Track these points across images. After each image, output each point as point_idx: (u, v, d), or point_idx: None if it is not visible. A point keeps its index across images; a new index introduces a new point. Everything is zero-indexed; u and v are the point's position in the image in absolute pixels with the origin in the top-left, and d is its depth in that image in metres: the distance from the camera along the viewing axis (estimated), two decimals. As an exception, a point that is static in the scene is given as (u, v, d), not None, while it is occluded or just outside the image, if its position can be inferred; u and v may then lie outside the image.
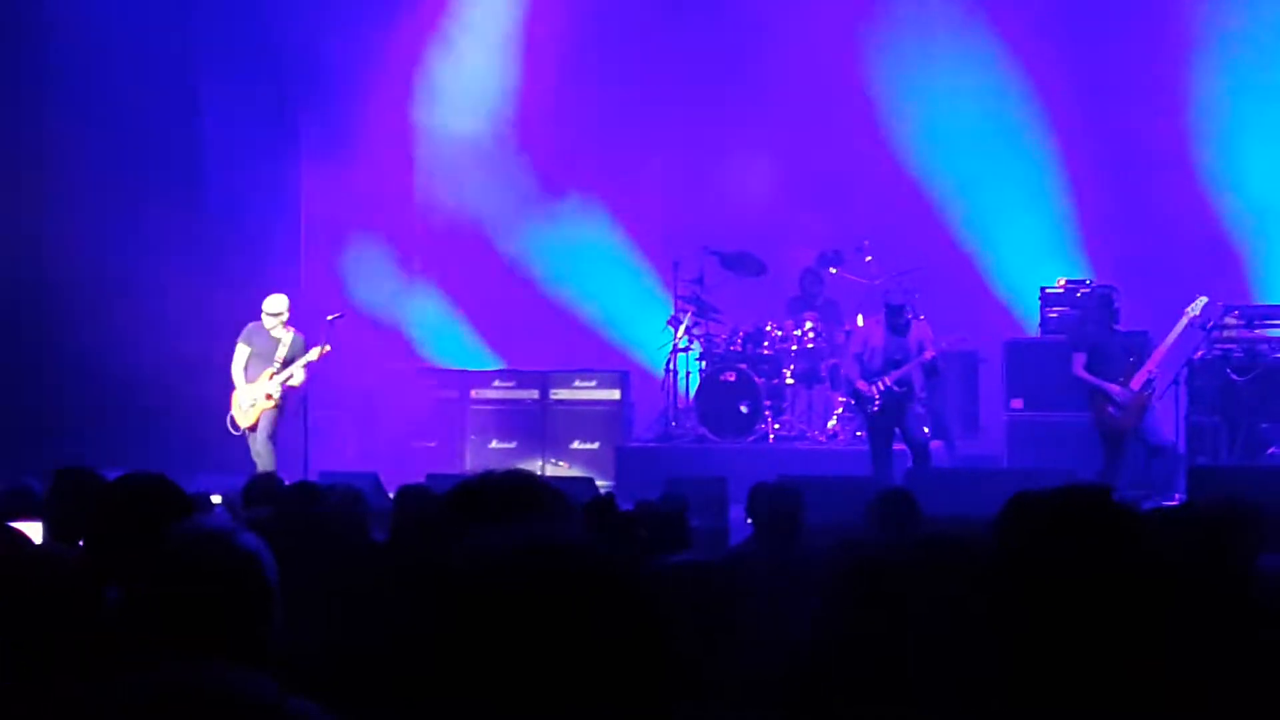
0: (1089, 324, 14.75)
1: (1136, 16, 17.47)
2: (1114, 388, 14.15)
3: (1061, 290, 16.59)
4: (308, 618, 3.81)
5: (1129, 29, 17.48)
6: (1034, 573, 2.58)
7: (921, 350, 14.44)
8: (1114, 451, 14.24)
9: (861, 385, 14.47)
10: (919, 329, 14.64)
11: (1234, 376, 15.16)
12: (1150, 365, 14.29)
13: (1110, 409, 14.19)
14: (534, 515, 2.88)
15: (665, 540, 7.33)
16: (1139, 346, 14.73)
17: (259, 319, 15.02)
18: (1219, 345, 15.34)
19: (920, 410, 15.04)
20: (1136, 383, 14.17)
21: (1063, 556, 2.58)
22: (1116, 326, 14.56)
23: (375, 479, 12.94)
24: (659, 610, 2.07)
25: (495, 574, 2.03)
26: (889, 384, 14.37)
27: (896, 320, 14.50)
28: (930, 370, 14.61)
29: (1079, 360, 14.36)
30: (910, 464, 14.39)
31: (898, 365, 14.38)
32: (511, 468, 3.22)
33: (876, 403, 14.51)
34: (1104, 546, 2.58)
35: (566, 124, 19.05)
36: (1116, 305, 14.63)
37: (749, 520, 8.60)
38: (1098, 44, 17.66)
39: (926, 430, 16.66)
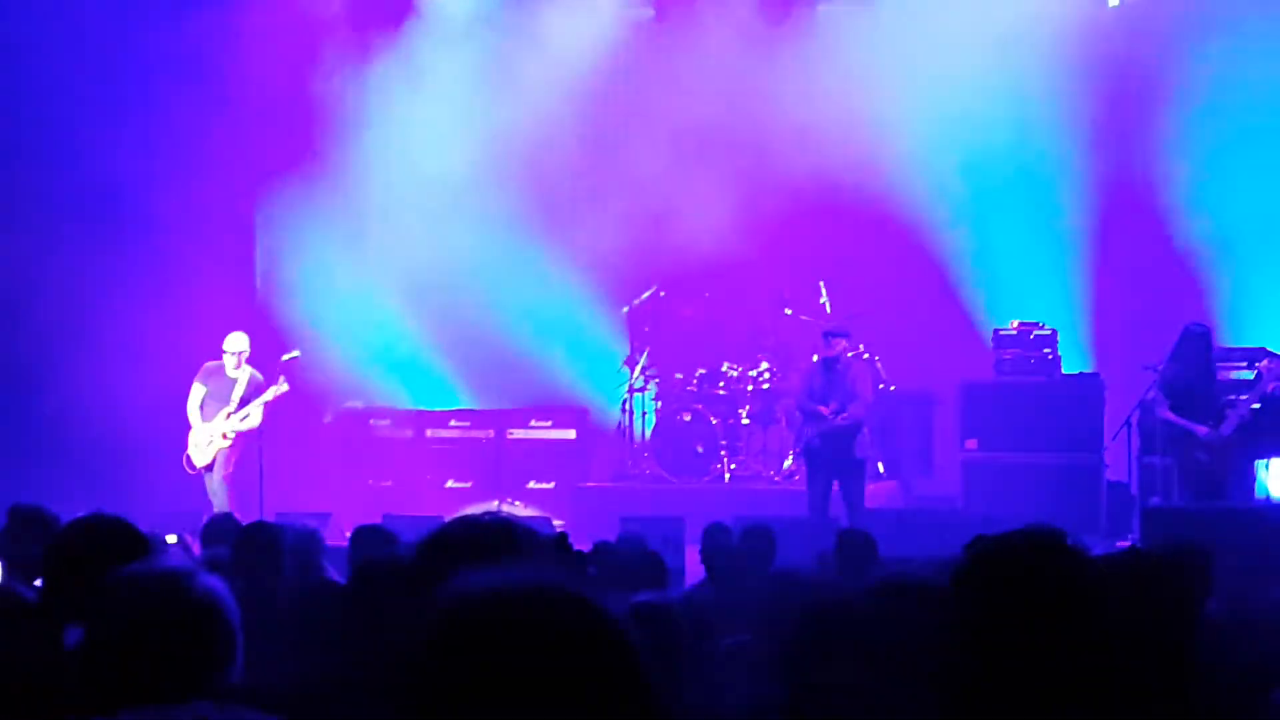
0: (1179, 363, 13.89)
1: (1117, 59, 17.55)
2: (1201, 429, 13.56)
3: (1015, 332, 16.68)
4: (267, 658, 3.80)
5: (1107, 69, 17.57)
6: (989, 621, 2.60)
7: (852, 391, 14.13)
8: (1197, 495, 13.52)
9: (806, 425, 14.30)
10: (854, 373, 14.50)
11: (1186, 418, 15.23)
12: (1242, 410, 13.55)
13: (1197, 453, 13.62)
14: (511, 559, 2.89)
15: (641, 577, 7.32)
16: (1231, 388, 14.15)
17: (217, 358, 15.00)
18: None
19: (869, 459, 14.71)
20: (1228, 427, 13.50)
21: (1018, 605, 2.60)
22: (1211, 366, 13.90)
23: (329, 519, 12.91)
24: (641, 652, 2.09)
25: (482, 615, 2.05)
26: (812, 437, 14.23)
27: (829, 359, 14.28)
28: (849, 422, 14.12)
29: (1163, 401, 13.70)
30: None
31: (830, 408, 14.12)
32: (490, 511, 3.23)
33: (797, 450, 14.49)
34: (1058, 595, 2.61)
35: (525, 163, 19.02)
36: (1213, 344, 13.98)
37: (703, 561, 8.61)
38: (1037, 84, 17.76)
39: (881, 468, 16.73)
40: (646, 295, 17.41)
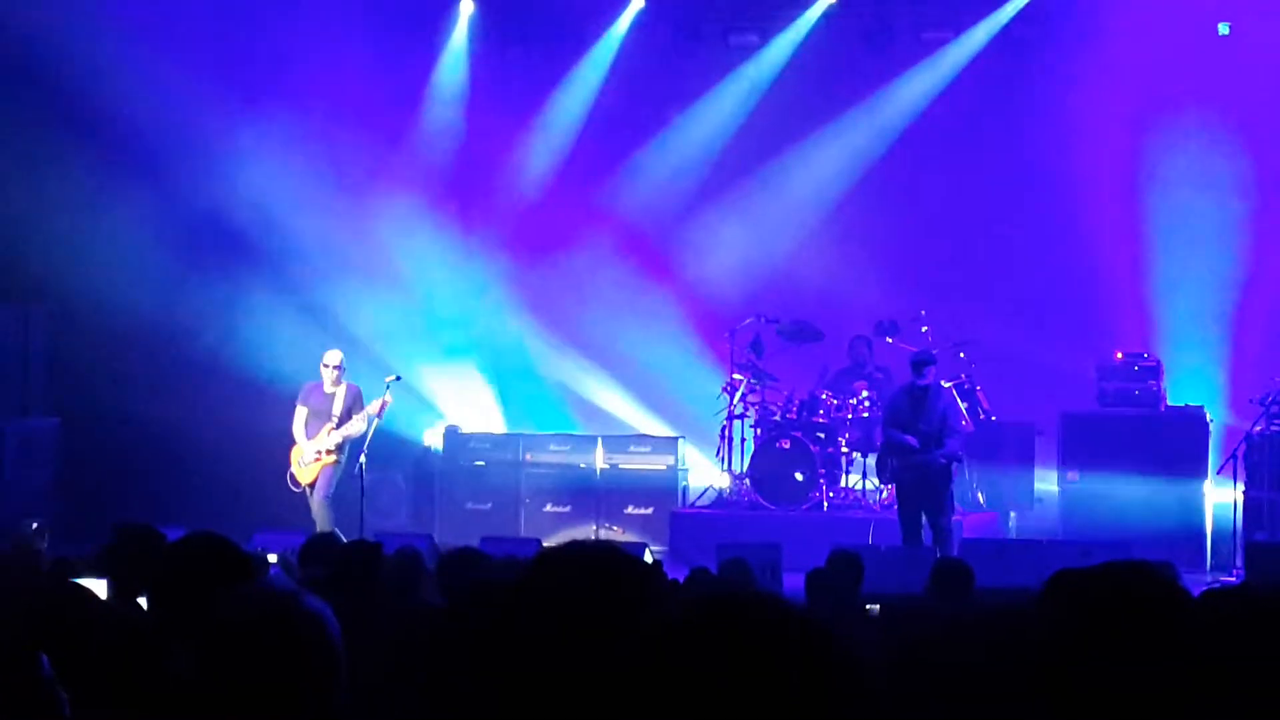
0: None
1: (1192, 104, 17.44)
2: None
3: (1118, 363, 16.55)
4: (364, 680, 3.85)
5: (1216, 96, 17.45)
6: (1073, 652, 2.60)
7: (945, 422, 14.07)
8: None
9: (910, 439, 14.19)
10: (946, 402, 14.39)
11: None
12: None
13: None
14: (615, 588, 2.91)
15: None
16: None
17: (316, 380, 15.20)
18: (1278, 420, 15.24)
19: (955, 490, 14.54)
20: None
21: (1102, 637, 2.59)
22: None
23: (430, 540, 12.98)
24: (852, 659, 2.20)
25: (702, 627, 2.16)
26: (898, 467, 14.15)
27: (916, 386, 14.18)
28: (952, 455, 14.07)
29: None
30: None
31: (921, 436, 14.04)
32: (598, 539, 3.27)
33: (885, 473, 14.43)
34: (1145, 628, 2.60)
35: (628, 191, 19.19)
36: None
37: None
38: (1147, 125, 17.66)
39: (981, 499, 16.61)
40: (747, 322, 17.41)
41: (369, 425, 15.03)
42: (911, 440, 14.00)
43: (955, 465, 14.23)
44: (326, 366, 15.10)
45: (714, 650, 2.16)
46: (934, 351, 14.92)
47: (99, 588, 5.57)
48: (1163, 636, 2.59)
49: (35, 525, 11.12)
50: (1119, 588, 2.68)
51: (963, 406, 15.78)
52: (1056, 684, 2.60)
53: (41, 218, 16.26)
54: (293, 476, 15.10)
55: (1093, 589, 2.71)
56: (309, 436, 15.09)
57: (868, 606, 6.89)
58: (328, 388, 15.10)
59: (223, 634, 3.02)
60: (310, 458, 15.01)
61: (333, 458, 14.99)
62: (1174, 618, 2.63)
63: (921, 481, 13.95)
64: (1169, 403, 16.41)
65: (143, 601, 5.11)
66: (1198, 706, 2.57)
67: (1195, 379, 17.11)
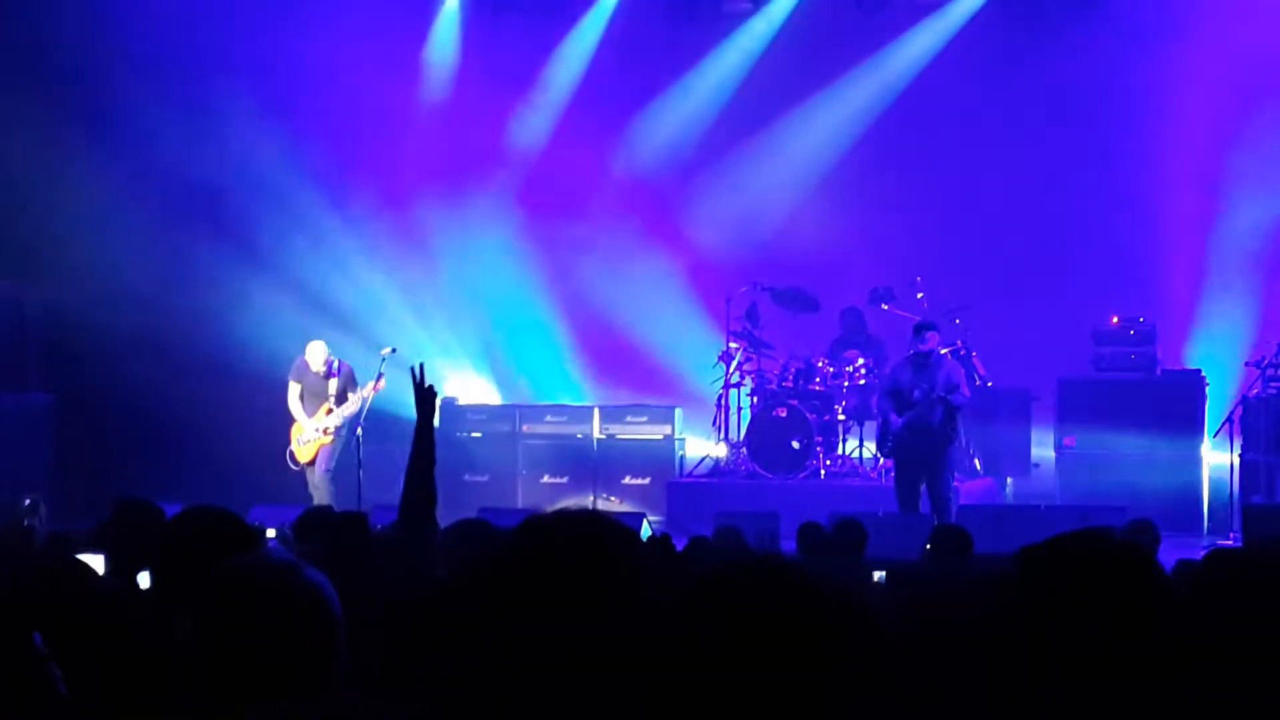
0: None
1: (1184, 68, 17.42)
2: None
3: (1114, 327, 16.56)
4: (361, 652, 3.85)
5: (1211, 61, 17.43)
6: (1040, 617, 2.63)
7: (947, 387, 13.98)
8: None
9: (891, 419, 14.15)
10: (949, 366, 14.37)
11: (1289, 414, 15.05)
12: None
13: None
14: (605, 556, 2.92)
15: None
16: None
17: (303, 355, 15.21)
18: (1273, 383, 15.26)
19: (955, 455, 14.46)
20: None
21: (1064, 603, 2.62)
22: None
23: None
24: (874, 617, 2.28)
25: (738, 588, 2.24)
26: (896, 427, 14.11)
27: (920, 354, 14.08)
28: (949, 411, 13.88)
29: None
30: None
31: (913, 400, 13.89)
32: (582, 506, 3.28)
33: (886, 444, 14.36)
34: (1107, 595, 2.62)
35: (623, 159, 19.18)
36: None
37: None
38: (1139, 90, 17.64)
39: (978, 465, 16.64)
40: (743, 290, 17.40)
41: (363, 405, 15.04)
42: (894, 417, 13.98)
43: (956, 425, 14.16)
44: (314, 353, 15.09)
45: (747, 613, 2.23)
46: (933, 319, 14.89)
47: (96, 563, 5.58)
48: (1126, 602, 2.61)
49: (28, 501, 11.11)
50: (1077, 555, 2.70)
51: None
52: (1028, 650, 2.63)
53: (35, 194, 16.23)
54: (292, 454, 15.12)
55: (1052, 558, 2.73)
56: (307, 414, 15.10)
57: (874, 574, 6.91)
58: (315, 367, 15.12)
59: (221, 603, 3.02)
60: (310, 436, 15.03)
61: (330, 437, 15.01)
62: (1139, 584, 2.65)
63: (920, 441, 13.88)
64: (1165, 366, 16.44)
65: (141, 577, 5.12)
66: (1174, 671, 2.59)
67: (1191, 341, 17.15)
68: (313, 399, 15.11)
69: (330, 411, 15.01)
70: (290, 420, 15.21)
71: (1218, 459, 15.63)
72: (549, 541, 2.95)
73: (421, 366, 7.22)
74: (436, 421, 17.15)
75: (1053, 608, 2.63)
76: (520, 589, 2.90)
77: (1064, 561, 2.71)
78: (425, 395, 6.55)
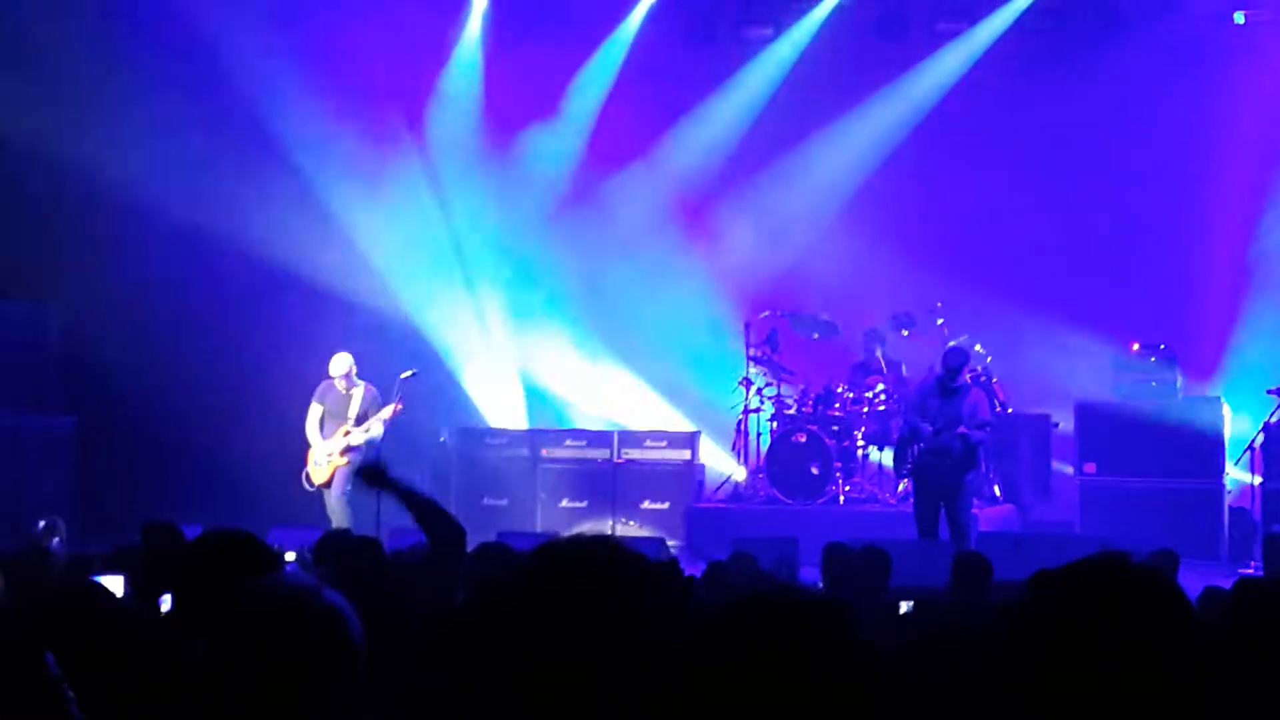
0: None
1: (1207, 96, 17.42)
2: None
3: (1135, 354, 16.52)
4: (378, 673, 3.84)
5: (1198, 106, 17.44)
6: (1053, 646, 2.61)
7: (975, 416, 13.84)
8: None
9: (924, 431, 14.03)
10: (975, 396, 14.21)
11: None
12: None
13: None
14: (618, 583, 2.91)
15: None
16: None
17: (329, 377, 15.20)
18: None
19: (975, 482, 14.23)
20: None
21: (1078, 632, 2.60)
22: None
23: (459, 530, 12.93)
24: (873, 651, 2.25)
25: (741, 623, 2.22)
26: (917, 452, 13.99)
27: (949, 380, 13.92)
28: (969, 444, 13.69)
29: None
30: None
31: (937, 428, 13.74)
32: (597, 532, 3.28)
33: (903, 465, 14.27)
34: (1123, 619, 2.60)
35: (643, 186, 19.20)
36: None
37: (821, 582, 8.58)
38: (1160, 118, 17.63)
39: (998, 491, 16.58)
40: (764, 316, 17.40)
41: (384, 429, 15.03)
42: (925, 426, 13.83)
43: (977, 454, 14.04)
44: (335, 377, 15.10)
45: (753, 649, 2.20)
46: (965, 350, 14.76)
47: (116, 585, 5.58)
48: (1145, 630, 2.59)
49: (44, 524, 11.11)
50: (1095, 582, 2.68)
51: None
52: (1039, 677, 2.61)
53: (55, 214, 16.28)
54: (308, 475, 15.11)
55: (1067, 585, 2.71)
56: (325, 436, 15.10)
57: (901, 603, 6.88)
58: (341, 387, 15.10)
59: (241, 623, 3.02)
60: (325, 458, 15.03)
61: (345, 459, 14.99)
62: (1161, 611, 2.62)
63: (940, 465, 13.77)
64: (1186, 393, 16.39)
65: (163, 600, 5.12)
66: (1200, 701, 2.57)
67: (1213, 368, 17.09)
68: (333, 420, 15.11)
69: (348, 433, 15.00)
70: (308, 440, 15.21)
71: (1240, 486, 15.56)
72: (560, 568, 2.94)
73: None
74: (456, 446, 17.13)
75: (1069, 634, 2.61)
76: (534, 615, 2.90)
77: (1081, 587, 2.69)
78: (376, 477, 6.46)
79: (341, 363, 15.12)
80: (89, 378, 16.34)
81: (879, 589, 8.20)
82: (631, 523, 17.17)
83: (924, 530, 13.90)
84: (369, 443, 15.01)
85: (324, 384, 15.25)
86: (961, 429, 13.61)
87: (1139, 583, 2.66)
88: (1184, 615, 2.63)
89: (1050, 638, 2.60)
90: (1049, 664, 2.58)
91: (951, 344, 14.93)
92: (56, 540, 10.75)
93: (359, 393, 15.08)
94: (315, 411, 15.18)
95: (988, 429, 13.95)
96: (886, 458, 16.20)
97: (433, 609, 5.28)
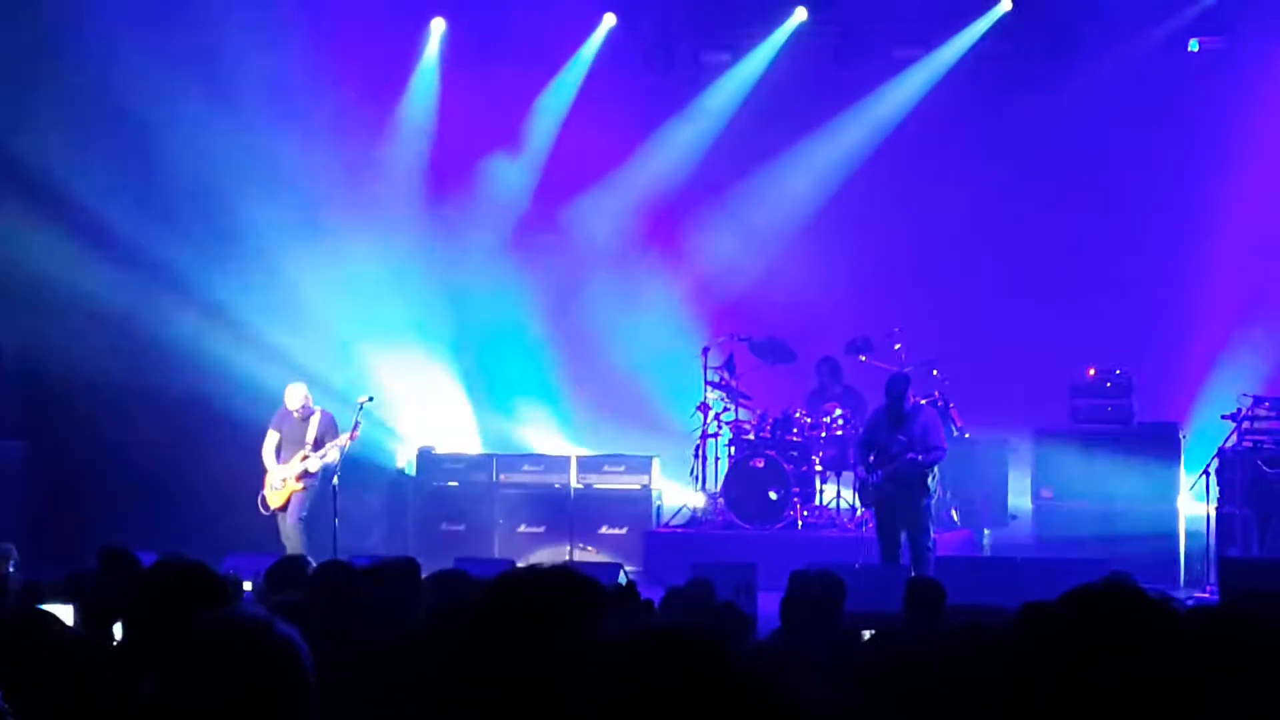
0: None
1: (1162, 123, 17.57)
2: None
3: (1090, 379, 16.59)
4: (340, 702, 3.82)
5: (1153, 132, 17.58)
6: (1054, 670, 2.59)
7: (925, 439, 13.96)
8: None
9: (859, 473, 14.26)
10: (926, 418, 14.34)
11: (1264, 468, 15.08)
12: None
13: None
14: (576, 611, 2.90)
15: (718, 626, 7.28)
16: None
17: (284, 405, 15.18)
18: (1249, 436, 15.28)
19: (933, 507, 14.30)
20: None
21: (1086, 653, 2.59)
22: None
23: (413, 562, 12.88)
24: (762, 688, 2.21)
25: (619, 660, 2.16)
26: (877, 480, 14.09)
27: (896, 408, 14.08)
28: (921, 468, 13.86)
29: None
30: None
31: (890, 454, 13.92)
32: (556, 560, 3.27)
33: (867, 496, 14.40)
34: (1130, 644, 2.59)
35: (600, 210, 19.21)
36: None
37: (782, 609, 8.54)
38: (1117, 144, 17.76)
39: (956, 516, 16.61)
40: (721, 340, 17.42)
41: (341, 455, 15.01)
42: (861, 472, 14.01)
43: (933, 479, 14.15)
44: (294, 397, 15.08)
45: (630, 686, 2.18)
46: (907, 370, 14.88)
47: (66, 613, 5.53)
48: (1143, 656, 2.58)
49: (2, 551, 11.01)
50: (1095, 611, 2.67)
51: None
52: (1036, 705, 2.59)
53: (8, 238, 16.18)
54: (264, 500, 15.06)
55: (1068, 614, 2.70)
56: (281, 461, 15.06)
57: (863, 632, 6.86)
58: (297, 414, 15.08)
59: (193, 657, 2.99)
60: (280, 483, 14.98)
61: (301, 485, 14.95)
62: (1154, 637, 2.62)
63: (899, 491, 13.91)
64: (1141, 419, 16.46)
65: (116, 628, 5.07)
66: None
67: (1167, 394, 17.17)
68: (290, 446, 15.07)
69: (306, 458, 14.96)
70: (264, 468, 15.16)
71: (1195, 512, 15.63)
72: (518, 597, 2.93)
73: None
74: (413, 471, 17.08)
75: (1072, 666, 2.60)
76: (491, 644, 2.89)
77: (1083, 619, 2.68)
78: None
79: (296, 393, 15.14)
80: (41, 402, 16.24)
81: (834, 615, 8.18)
82: (589, 548, 17.13)
83: (887, 556, 13.96)
84: (325, 469, 14.98)
85: (280, 411, 15.24)
86: (910, 454, 13.72)
87: (1142, 612, 2.66)
88: (1186, 643, 2.64)
89: (1049, 670, 2.60)
90: (1045, 695, 2.58)
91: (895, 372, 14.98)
92: (10, 566, 10.66)
93: (315, 419, 15.08)
94: (272, 438, 15.17)
95: (940, 450, 14.03)
96: (845, 485, 16.26)
97: (390, 635, 5.25)
